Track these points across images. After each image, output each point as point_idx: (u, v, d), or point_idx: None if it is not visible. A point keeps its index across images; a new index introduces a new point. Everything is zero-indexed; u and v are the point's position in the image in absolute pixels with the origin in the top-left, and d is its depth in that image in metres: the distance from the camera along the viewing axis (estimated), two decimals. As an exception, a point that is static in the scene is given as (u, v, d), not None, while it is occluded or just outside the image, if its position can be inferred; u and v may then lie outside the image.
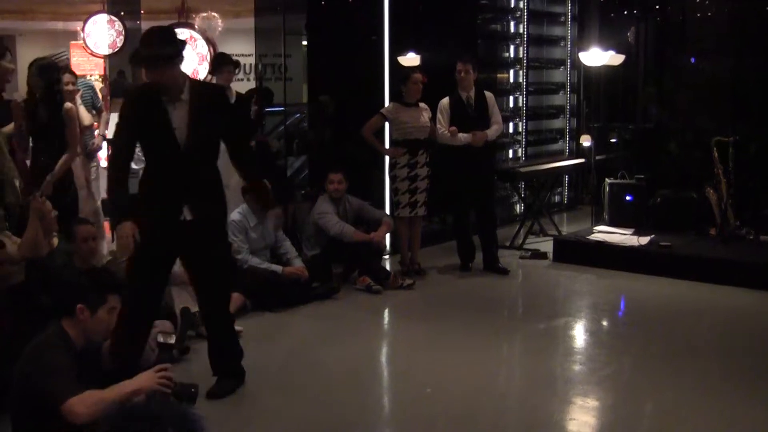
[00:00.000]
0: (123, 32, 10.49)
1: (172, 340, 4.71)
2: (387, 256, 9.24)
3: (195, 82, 5.60)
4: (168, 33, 5.34)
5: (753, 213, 9.78)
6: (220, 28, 10.49)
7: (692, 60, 12.42)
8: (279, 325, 7.34)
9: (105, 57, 10.91)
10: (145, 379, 4.09)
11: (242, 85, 11.00)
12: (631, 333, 7.27)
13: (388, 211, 9.09)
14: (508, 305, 8.36)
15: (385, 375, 6.47)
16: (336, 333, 7.08)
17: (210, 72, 9.09)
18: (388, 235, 8.88)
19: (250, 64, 11.82)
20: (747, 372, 6.20)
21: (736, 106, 11.32)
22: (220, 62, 8.54)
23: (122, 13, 10.82)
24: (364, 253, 8.25)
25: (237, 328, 6.05)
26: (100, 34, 10.48)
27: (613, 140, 12.43)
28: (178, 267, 5.83)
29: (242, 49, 11.90)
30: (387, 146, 9.01)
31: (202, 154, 5.38)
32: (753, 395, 5.74)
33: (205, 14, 10.48)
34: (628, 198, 10.26)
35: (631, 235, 9.54)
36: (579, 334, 7.30)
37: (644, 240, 9.31)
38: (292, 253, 7.99)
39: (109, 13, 10.67)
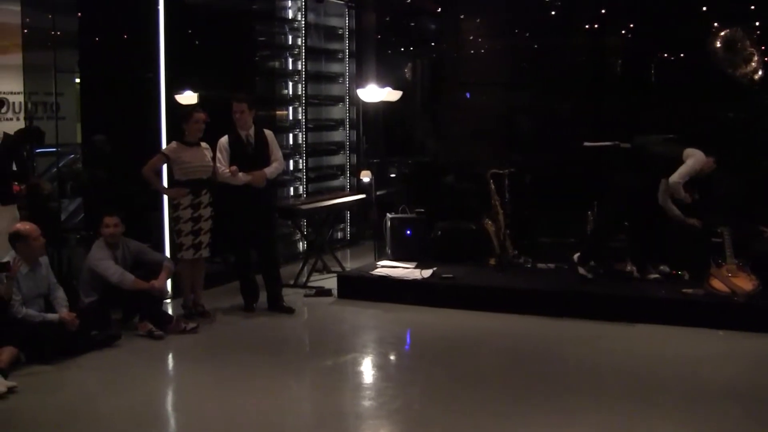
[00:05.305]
0: None
1: None
2: (169, 300, 8.99)
3: None
4: None
5: (529, 242, 10.17)
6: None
7: (467, 95, 12.85)
8: (57, 377, 6.92)
9: None
10: None
11: (11, 124, 10.47)
12: (417, 365, 7.36)
13: (168, 253, 8.88)
14: (294, 344, 8.29)
15: (172, 423, 6.20)
16: (118, 383, 6.77)
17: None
18: (169, 280, 8.65)
19: (19, 103, 11.29)
20: (528, 393, 6.41)
21: (510, 138, 11.78)
22: None
23: None
24: (144, 299, 7.98)
25: (10, 383, 5.75)
26: None
27: (392, 175, 12.67)
28: None
29: (10, 87, 11.32)
30: (166, 186, 8.79)
31: None
32: (534, 414, 5.96)
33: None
34: (408, 232, 10.44)
35: (414, 268, 9.69)
36: (367, 369, 7.33)
37: (427, 273, 9.47)
38: (61, 302, 7.53)
39: None
